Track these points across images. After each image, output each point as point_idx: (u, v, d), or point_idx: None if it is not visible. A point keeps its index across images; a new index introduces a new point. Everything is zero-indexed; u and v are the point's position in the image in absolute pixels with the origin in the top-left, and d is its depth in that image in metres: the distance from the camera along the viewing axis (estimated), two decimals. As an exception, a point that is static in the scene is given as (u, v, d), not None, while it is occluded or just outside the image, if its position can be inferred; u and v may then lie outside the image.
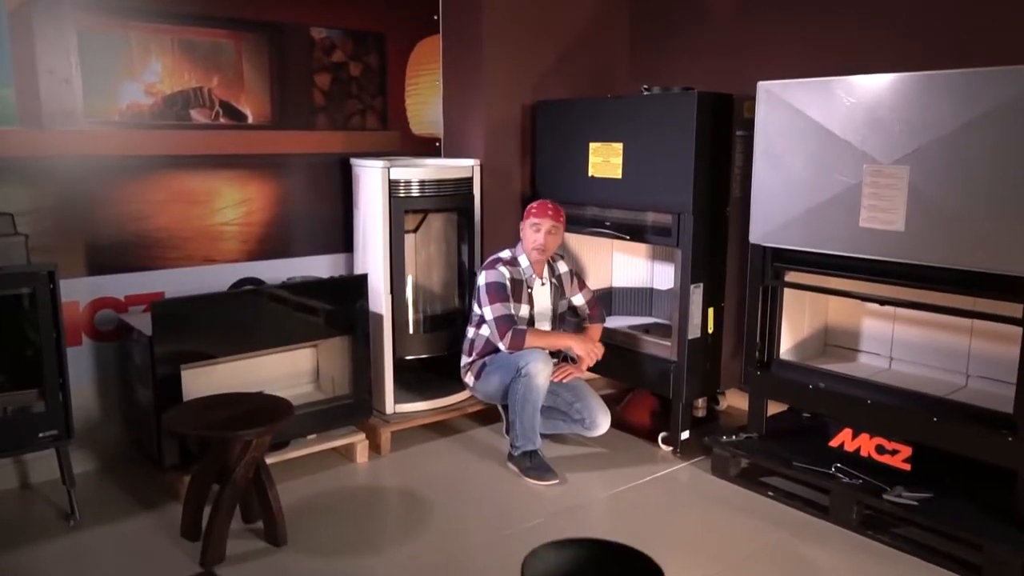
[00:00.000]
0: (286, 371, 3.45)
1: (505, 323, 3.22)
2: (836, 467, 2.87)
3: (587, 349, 3.29)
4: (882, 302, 2.84)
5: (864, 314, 3.26)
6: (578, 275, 3.60)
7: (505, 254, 3.38)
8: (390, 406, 3.53)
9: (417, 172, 3.43)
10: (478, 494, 3.09)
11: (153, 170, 3.22)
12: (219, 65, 3.33)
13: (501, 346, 3.24)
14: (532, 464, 3.20)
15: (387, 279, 3.45)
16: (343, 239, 3.76)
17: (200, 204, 3.36)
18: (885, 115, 2.59)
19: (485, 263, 3.38)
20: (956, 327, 2.97)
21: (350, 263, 3.76)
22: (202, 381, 3.08)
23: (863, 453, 2.86)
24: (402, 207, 3.43)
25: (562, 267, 3.53)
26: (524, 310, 3.33)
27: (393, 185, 3.39)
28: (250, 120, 3.44)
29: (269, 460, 3.00)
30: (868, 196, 2.67)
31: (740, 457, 3.14)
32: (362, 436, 3.36)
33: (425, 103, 3.97)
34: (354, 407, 3.36)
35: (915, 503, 2.64)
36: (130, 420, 3.24)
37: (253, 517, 2.77)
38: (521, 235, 3.38)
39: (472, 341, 3.40)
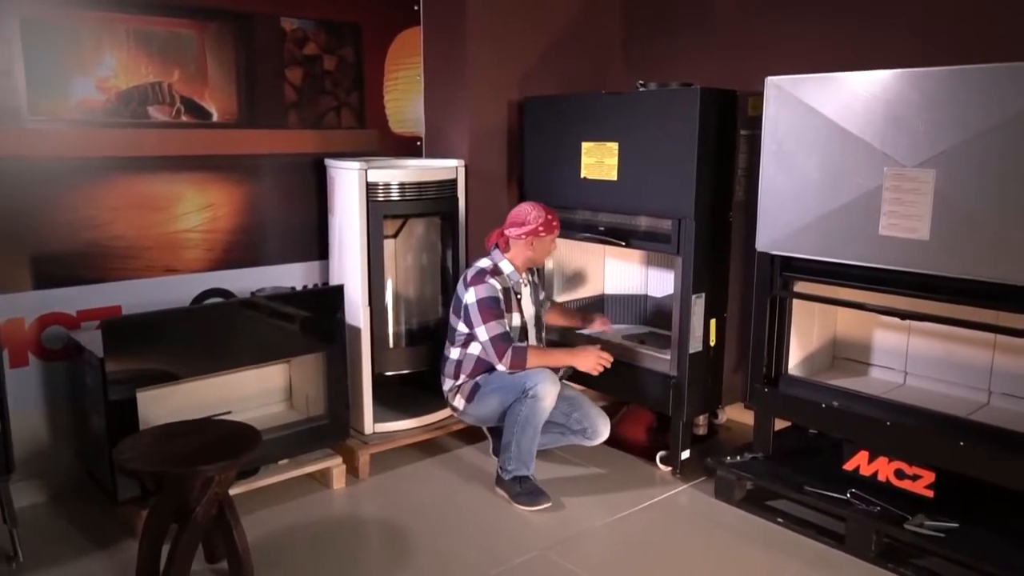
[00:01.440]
0: (256, 390, 3.20)
1: (503, 342, 2.97)
2: (852, 492, 2.67)
3: (593, 364, 3.03)
4: (903, 316, 2.63)
5: (876, 325, 3.05)
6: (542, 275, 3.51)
7: (485, 263, 3.12)
8: (369, 426, 3.28)
9: (397, 174, 3.18)
10: (465, 524, 2.85)
11: (108, 173, 2.94)
12: (180, 58, 3.06)
13: (500, 367, 2.99)
14: (523, 489, 2.96)
15: (365, 289, 3.19)
16: (318, 246, 3.50)
17: (160, 210, 3.09)
18: (909, 113, 2.38)
19: (469, 278, 3.07)
20: (976, 340, 2.77)
21: (325, 271, 3.51)
22: (162, 404, 2.81)
23: (881, 478, 2.66)
24: (381, 212, 3.17)
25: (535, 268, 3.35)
26: (516, 319, 3.10)
27: (371, 188, 3.13)
28: (215, 118, 3.17)
29: (236, 490, 2.75)
30: (889, 201, 2.46)
31: (746, 480, 2.93)
32: (339, 460, 3.10)
33: (405, 100, 3.71)
34: (330, 428, 3.11)
35: (941, 534, 2.43)
36: (82, 448, 2.97)
37: (217, 556, 2.52)
38: (512, 244, 3.11)
39: (459, 362, 3.13)
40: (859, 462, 2.71)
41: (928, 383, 2.91)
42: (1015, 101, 2.18)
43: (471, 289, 3.04)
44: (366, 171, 3.12)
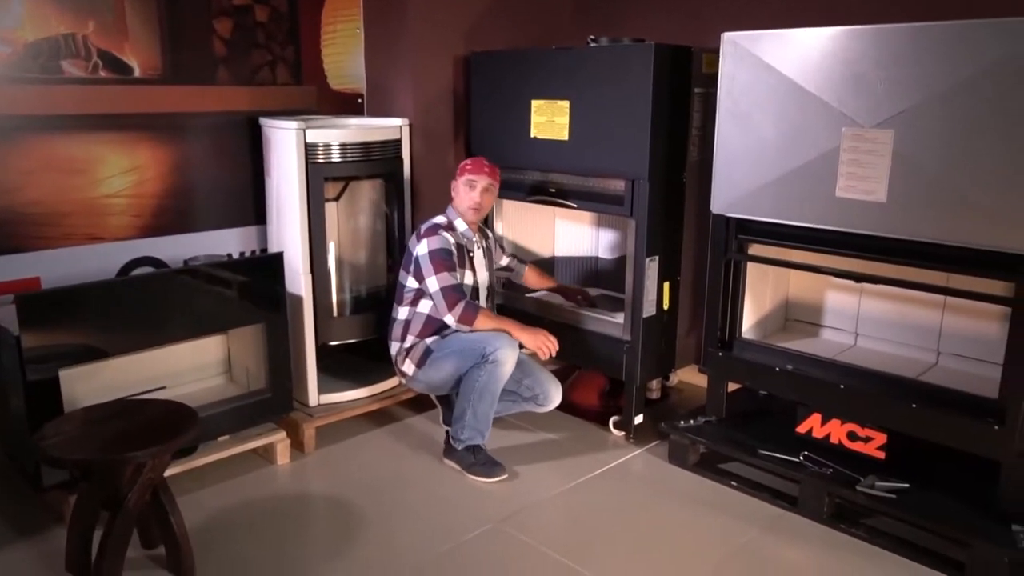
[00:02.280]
0: (192, 363, 3.03)
1: (455, 293, 2.86)
2: (804, 455, 2.66)
3: (538, 343, 2.89)
4: (858, 279, 2.61)
5: (828, 287, 3.04)
6: (500, 241, 3.46)
7: (440, 219, 3.03)
8: (314, 397, 3.16)
9: (338, 134, 3.00)
10: (415, 497, 2.76)
11: (17, 133, 2.70)
12: (95, 8, 2.80)
13: (449, 319, 2.86)
14: (477, 459, 2.89)
15: (306, 256, 3.03)
16: (254, 210, 3.31)
17: (80, 173, 2.85)
18: (868, 72, 2.32)
19: (423, 230, 2.97)
20: (926, 302, 2.77)
21: (263, 237, 3.33)
22: (89, 382, 2.64)
23: (833, 440, 2.66)
24: (321, 174, 3.00)
25: (490, 233, 3.27)
26: (468, 278, 3.00)
27: (310, 149, 2.95)
28: (137, 73, 2.93)
29: (173, 470, 2.61)
30: (846, 163, 2.41)
31: (700, 444, 2.91)
32: (282, 434, 2.98)
33: (344, 54, 3.51)
34: (272, 401, 2.97)
35: (892, 495, 2.45)
36: (1, 432, 2.77)
37: (153, 542, 2.39)
38: (453, 193, 3.05)
39: (407, 322, 3.00)
40: (812, 425, 2.70)
41: (879, 344, 2.92)
42: (980, 60, 2.12)
43: (423, 241, 2.93)
44: (304, 131, 2.93)
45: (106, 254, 2.95)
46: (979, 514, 2.34)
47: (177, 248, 3.11)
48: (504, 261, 3.37)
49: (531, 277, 3.43)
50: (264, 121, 3.14)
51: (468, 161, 3.05)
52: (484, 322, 2.87)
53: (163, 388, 2.97)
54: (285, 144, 2.97)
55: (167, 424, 2.21)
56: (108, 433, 2.16)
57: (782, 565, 2.39)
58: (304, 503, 2.75)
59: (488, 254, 3.16)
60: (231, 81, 3.18)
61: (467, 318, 2.85)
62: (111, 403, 2.34)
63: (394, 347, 3.05)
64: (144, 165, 3.01)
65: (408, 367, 3.00)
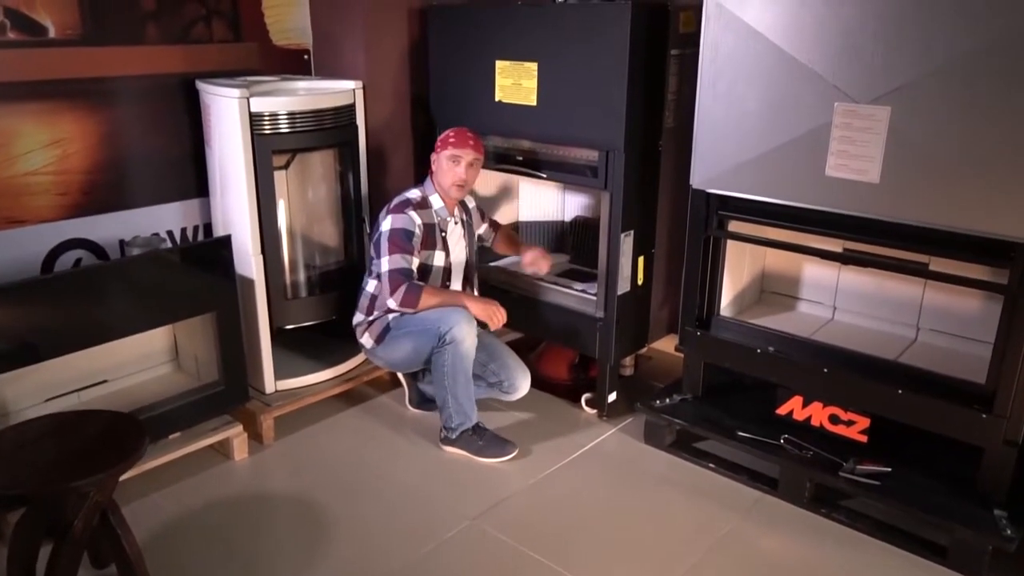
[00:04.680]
0: (135, 353, 2.81)
1: (400, 277, 2.72)
2: (785, 438, 2.61)
3: (488, 312, 2.77)
4: (846, 261, 2.51)
5: (806, 260, 2.94)
6: (481, 208, 3.18)
7: (413, 194, 2.85)
8: (270, 384, 2.97)
9: (286, 102, 2.73)
10: (385, 492, 2.63)
11: (-84, 107, 2.38)
12: (-2, -42, 2.45)
13: (391, 303, 2.74)
14: (484, 441, 2.80)
15: (256, 237, 2.80)
16: (195, 181, 3.04)
17: (-8, 149, 2.55)
18: (865, 43, 2.16)
19: (392, 205, 2.81)
20: (907, 276, 2.70)
21: (206, 210, 3.07)
22: (22, 381, 2.42)
23: (815, 423, 2.60)
24: (269, 147, 2.74)
25: (470, 201, 3.07)
26: (439, 258, 2.86)
27: (256, 120, 2.68)
28: (52, 34, 2.60)
29: (123, 475, 2.41)
30: (838, 140, 2.27)
31: (676, 425, 2.83)
32: (239, 428, 2.79)
33: (287, 6, 3.19)
34: (226, 393, 2.78)
35: (874, 481, 2.41)
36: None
37: (104, 561, 2.21)
38: (434, 167, 2.86)
39: (373, 296, 2.86)
40: (793, 407, 2.64)
41: (857, 319, 2.85)
42: (987, 31, 1.98)
43: (389, 217, 2.79)
44: (248, 100, 2.66)
45: (30, 238, 2.67)
46: (962, 499, 2.32)
47: (112, 228, 2.84)
48: (480, 229, 3.17)
49: (501, 242, 3.24)
50: (202, 85, 2.84)
51: (451, 132, 2.82)
52: (428, 300, 2.74)
53: (104, 383, 2.75)
54: (227, 114, 2.69)
55: (111, 441, 2.01)
56: (44, 458, 1.95)
57: (765, 557, 2.35)
58: (267, 503, 2.59)
59: (468, 228, 2.99)
60: (161, 40, 2.86)
61: (409, 300, 2.72)
62: (43, 419, 2.10)
63: (357, 317, 2.92)
64: (68, 137, 2.70)
65: (367, 340, 2.90)
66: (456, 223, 2.93)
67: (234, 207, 2.81)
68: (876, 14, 2.13)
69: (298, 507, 2.56)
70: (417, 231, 2.77)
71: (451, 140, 2.80)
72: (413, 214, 2.78)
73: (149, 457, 2.56)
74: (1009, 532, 2.17)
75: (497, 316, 2.77)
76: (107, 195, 2.83)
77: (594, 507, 2.57)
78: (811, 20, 2.25)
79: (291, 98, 2.75)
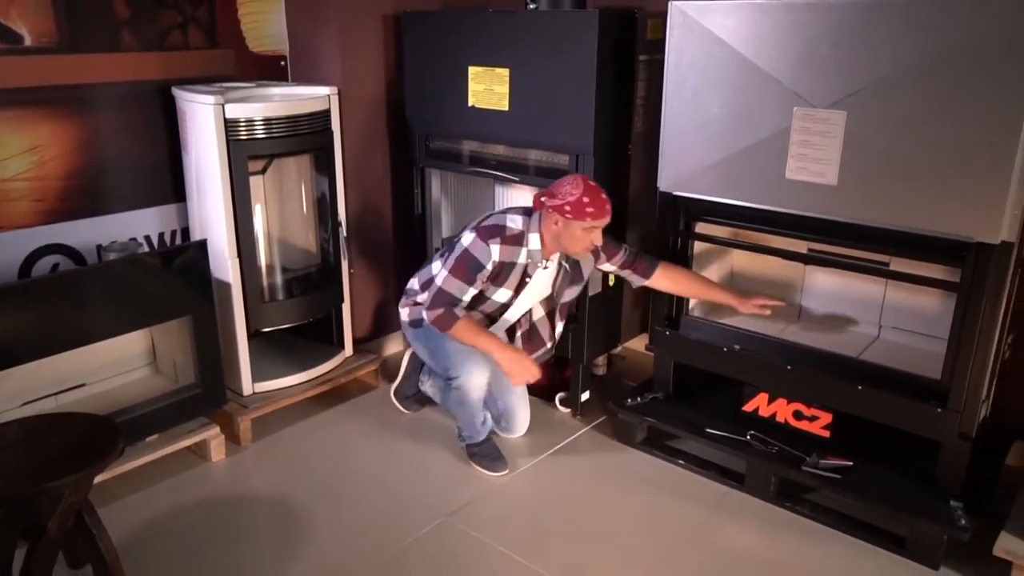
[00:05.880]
0: (113, 357, 2.85)
1: (445, 300, 2.57)
2: (751, 434, 2.67)
3: (513, 369, 2.57)
4: (807, 261, 2.58)
5: (773, 260, 3.00)
6: (614, 242, 2.74)
7: (513, 225, 2.58)
8: (248, 386, 3.01)
9: (261, 108, 2.77)
10: (358, 490, 2.67)
11: None
12: (-28, -33, 2.48)
13: (425, 315, 2.62)
14: (480, 450, 2.82)
15: (232, 240, 2.84)
16: (172, 187, 3.07)
17: (-31, 156, 2.58)
18: (823, 50, 2.23)
19: (487, 223, 2.60)
20: (869, 276, 2.77)
21: (183, 215, 3.10)
22: (0, 386, 2.44)
23: (780, 419, 2.67)
24: (244, 152, 2.78)
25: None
26: (502, 295, 2.66)
27: (231, 126, 2.72)
28: (28, 41, 2.63)
29: (99, 477, 2.43)
30: (797, 144, 2.34)
31: (647, 423, 2.89)
32: (216, 429, 2.83)
33: (264, 12, 3.23)
34: (203, 396, 2.81)
35: (836, 475, 2.48)
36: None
37: (79, 561, 2.25)
38: (555, 227, 2.52)
39: (431, 280, 2.70)
40: (759, 404, 2.71)
41: (822, 318, 2.92)
42: (940, 39, 2.05)
43: (473, 236, 2.57)
44: (224, 106, 2.70)
45: (6, 244, 2.69)
46: (920, 491, 2.39)
47: (89, 233, 2.87)
48: (607, 266, 2.75)
49: (667, 280, 2.72)
50: (178, 92, 2.88)
51: (585, 199, 2.43)
52: (461, 333, 2.57)
53: (82, 386, 2.78)
54: (203, 120, 2.73)
55: (86, 443, 2.04)
56: (19, 460, 1.98)
57: (732, 549, 2.41)
58: (244, 504, 2.63)
59: (566, 272, 2.73)
60: (137, 47, 2.89)
61: (441, 325, 2.57)
62: (15, 423, 2.13)
63: (412, 284, 2.85)
64: (44, 144, 2.73)
65: (405, 315, 2.85)
66: (546, 267, 2.69)
67: (211, 212, 2.85)
68: (831, 22, 2.20)
69: (275, 507, 2.60)
70: (489, 267, 2.55)
71: (589, 211, 2.43)
72: (496, 248, 2.54)
73: (126, 459, 2.60)
74: (964, 522, 2.24)
75: (521, 375, 2.59)
76: (84, 201, 2.85)
77: (567, 504, 2.62)
78: (771, 28, 2.32)
79: (266, 104, 2.79)
